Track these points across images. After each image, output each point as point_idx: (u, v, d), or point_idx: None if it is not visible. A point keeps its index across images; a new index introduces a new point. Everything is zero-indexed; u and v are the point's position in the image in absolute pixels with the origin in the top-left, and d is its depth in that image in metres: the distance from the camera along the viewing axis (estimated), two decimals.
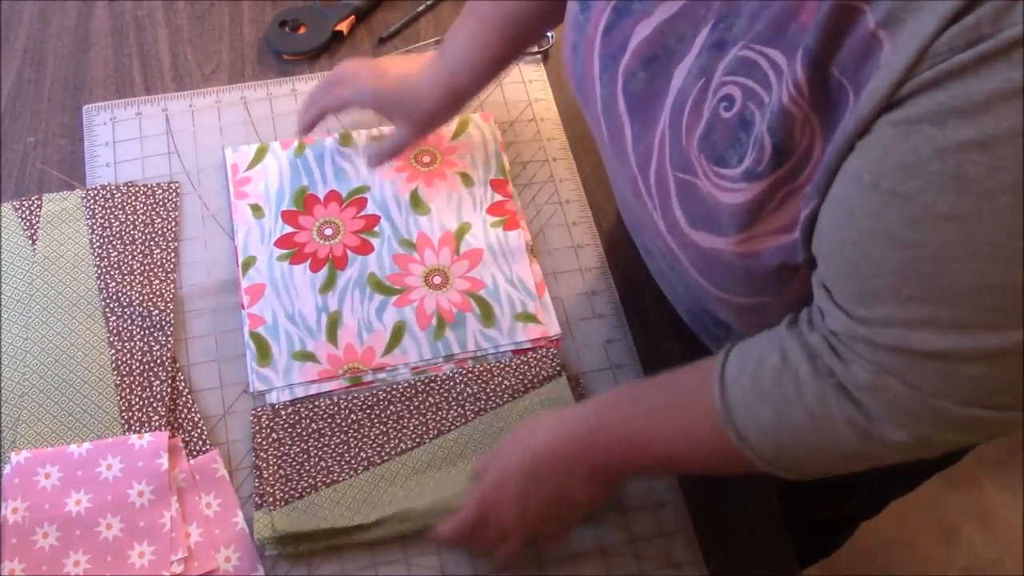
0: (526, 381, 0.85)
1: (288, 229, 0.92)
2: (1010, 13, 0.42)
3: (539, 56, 1.07)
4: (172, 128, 0.99)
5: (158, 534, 0.76)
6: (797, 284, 0.59)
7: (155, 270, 0.89)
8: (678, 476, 0.81)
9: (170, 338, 0.85)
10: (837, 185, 0.51)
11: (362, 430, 0.82)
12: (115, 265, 0.89)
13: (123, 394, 0.82)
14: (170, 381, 0.83)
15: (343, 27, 1.07)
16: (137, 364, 0.83)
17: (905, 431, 0.53)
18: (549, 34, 1.07)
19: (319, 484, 0.79)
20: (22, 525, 0.75)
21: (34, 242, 0.90)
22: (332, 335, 0.86)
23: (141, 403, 0.82)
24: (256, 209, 0.93)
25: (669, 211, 0.62)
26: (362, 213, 0.94)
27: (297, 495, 0.78)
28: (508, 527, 0.72)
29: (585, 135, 1.00)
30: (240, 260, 0.90)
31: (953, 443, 0.55)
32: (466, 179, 0.97)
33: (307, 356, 0.85)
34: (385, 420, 0.82)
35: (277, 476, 0.79)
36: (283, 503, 0.77)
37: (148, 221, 0.92)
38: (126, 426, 0.81)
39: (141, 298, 0.87)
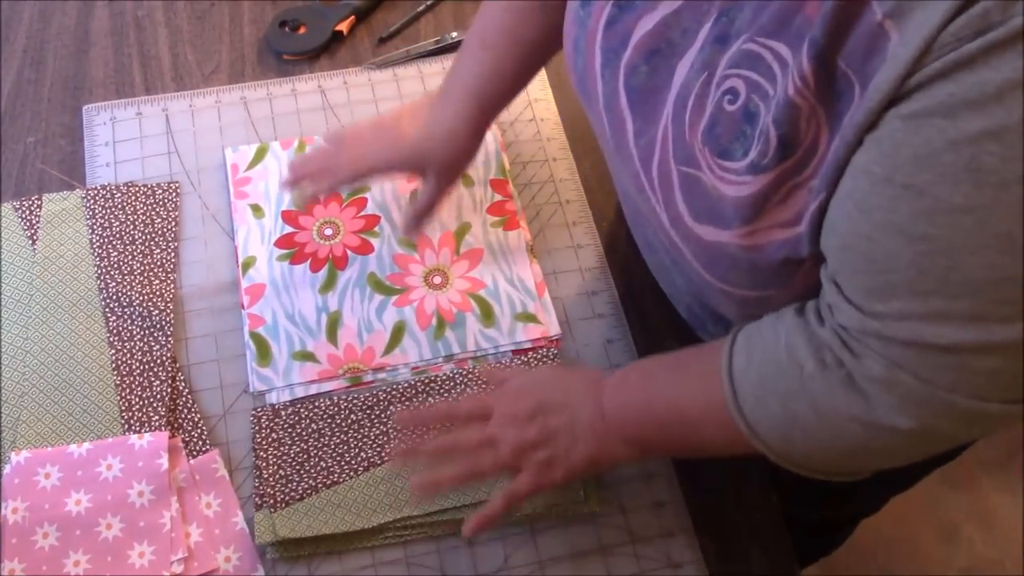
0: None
1: (288, 229, 0.92)
2: (1018, 2, 0.42)
3: None
4: (172, 128, 0.99)
5: (158, 534, 0.76)
6: (801, 277, 0.59)
7: (155, 270, 0.89)
8: (678, 476, 0.81)
9: (170, 338, 0.85)
10: (847, 180, 0.51)
11: (362, 430, 0.82)
12: (115, 265, 0.89)
13: (123, 394, 0.82)
14: (170, 381, 0.83)
15: (343, 27, 1.07)
16: (137, 364, 0.83)
17: (915, 421, 0.53)
18: None
19: (319, 485, 0.79)
20: (22, 525, 0.75)
21: (34, 242, 0.90)
22: (332, 335, 0.86)
23: (141, 403, 0.82)
24: (256, 209, 0.93)
25: (672, 205, 0.62)
26: (362, 213, 0.94)
27: (298, 496, 0.78)
28: (504, 436, 0.71)
29: (585, 135, 1.00)
30: (240, 260, 0.90)
31: (964, 437, 0.56)
32: (466, 179, 0.97)
33: (307, 356, 0.85)
34: (385, 420, 0.82)
35: (277, 476, 0.79)
36: (283, 504, 0.77)
37: (148, 221, 0.92)
38: (126, 426, 0.81)
39: (141, 298, 0.87)
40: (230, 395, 0.84)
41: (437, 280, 0.90)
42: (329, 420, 0.82)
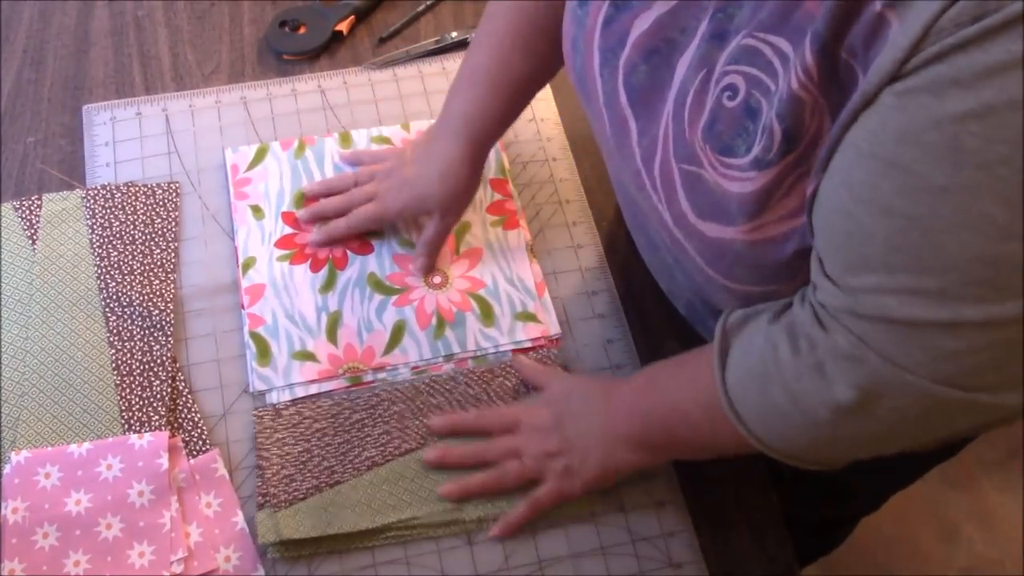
0: (522, 391, 0.85)
1: (288, 230, 0.92)
2: None
3: None
4: (172, 128, 0.99)
5: (158, 534, 0.76)
6: (806, 272, 0.59)
7: (155, 270, 0.89)
8: (678, 476, 0.81)
9: (170, 338, 0.85)
10: (837, 156, 0.51)
11: (364, 429, 0.82)
12: (115, 265, 0.89)
13: (123, 394, 0.82)
14: (170, 381, 0.83)
15: (343, 27, 1.07)
16: (137, 364, 0.83)
17: (869, 399, 0.54)
18: None
19: (322, 484, 0.79)
20: (22, 525, 0.75)
21: (34, 242, 0.90)
22: (332, 335, 0.86)
23: (141, 403, 0.82)
24: (256, 210, 0.93)
25: (675, 203, 0.62)
26: None
27: (300, 496, 0.78)
28: (528, 447, 0.76)
29: (585, 135, 1.00)
30: (240, 260, 0.90)
31: (928, 428, 0.56)
32: None
33: (307, 356, 0.85)
34: (388, 420, 0.82)
35: (280, 476, 0.79)
36: (286, 504, 0.77)
37: (148, 221, 0.92)
38: (126, 426, 0.81)
39: (141, 298, 0.87)
40: (230, 395, 0.84)
41: (437, 280, 0.90)
42: (332, 419, 0.82)
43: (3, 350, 0.84)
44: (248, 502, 0.78)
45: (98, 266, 0.89)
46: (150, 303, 0.87)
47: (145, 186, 0.94)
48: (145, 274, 0.89)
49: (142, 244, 0.90)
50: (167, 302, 0.87)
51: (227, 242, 0.92)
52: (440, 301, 0.89)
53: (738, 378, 0.62)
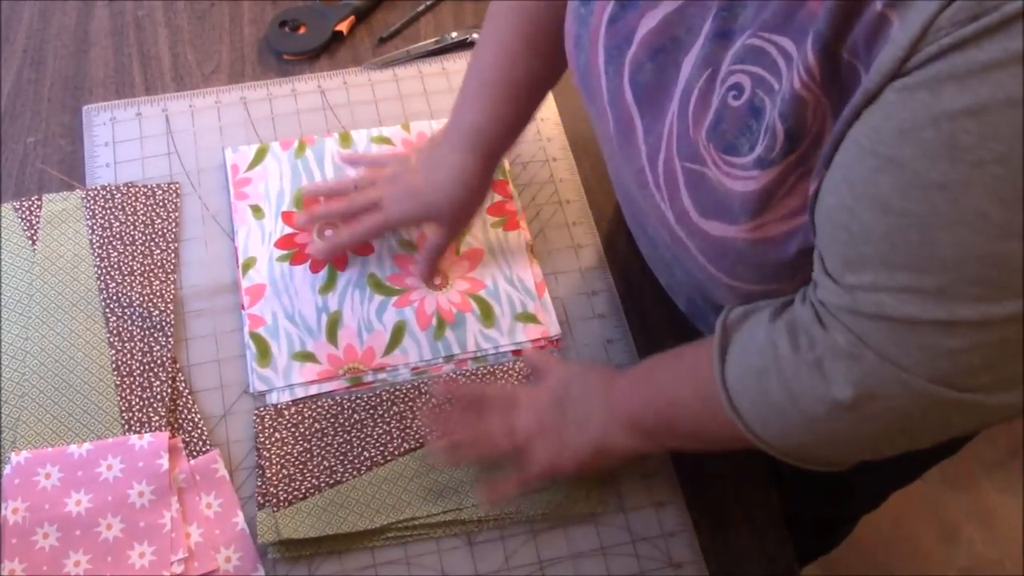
0: (527, 381, 0.85)
1: (288, 230, 0.92)
2: None
3: None
4: (172, 128, 0.99)
5: (158, 534, 0.76)
6: (808, 272, 0.59)
7: (155, 270, 0.89)
8: (678, 476, 0.81)
9: (170, 338, 0.85)
10: (839, 153, 0.51)
11: (365, 430, 0.82)
12: (115, 265, 0.89)
13: (123, 394, 0.82)
14: (170, 381, 0.83)
15: (343, 27, 1.07)
16: (137, 364, 0.84)
17: (866, 397, 0.54)
18: None
19: (322, 484, 0.79)
20: (22, 525, 0.75)
21: (34, 242, 0.90)
22: (332, 335, 0.86)
23: (141, 403, 0.82)
24: (256, 210, 0.93)
25: (678, 201, 0.63)
26: None
27: (301, 496, 0.78)
28: (523, 424, 0.76)
29: (585, 135, 1.00)
30: (240, 261, 0.90)
31: (927, 429, 0.56)
32: None
33: (307, 356, 0.85)
34: (388, 420, 0.82)
35: (280, 476, 0.79)
36: (287, 504, 0.77)
37: (148, 222, 0.92)
38: (126, 426, 0.81)
39: (141, 298, 0.87)
40: (230, 395, 0.84)
41: (437, 281, 0.90)
42: (332, 420, 0.82)
43: (3, 350, 0.84)
44: (248, 502, 0.78)
45: (98, 266, 0.89)
46: (150, 303, 0.87)
47: (145, 186, 0.94)
48: (145, 274, 0.89)
49: (142, 244, 0.90)
50: (167, 302, 0.87)
51: (227, 242, 0.92)
52: (440, 302, 0.89)
53: (737, 375, 0.62)
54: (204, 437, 0.81)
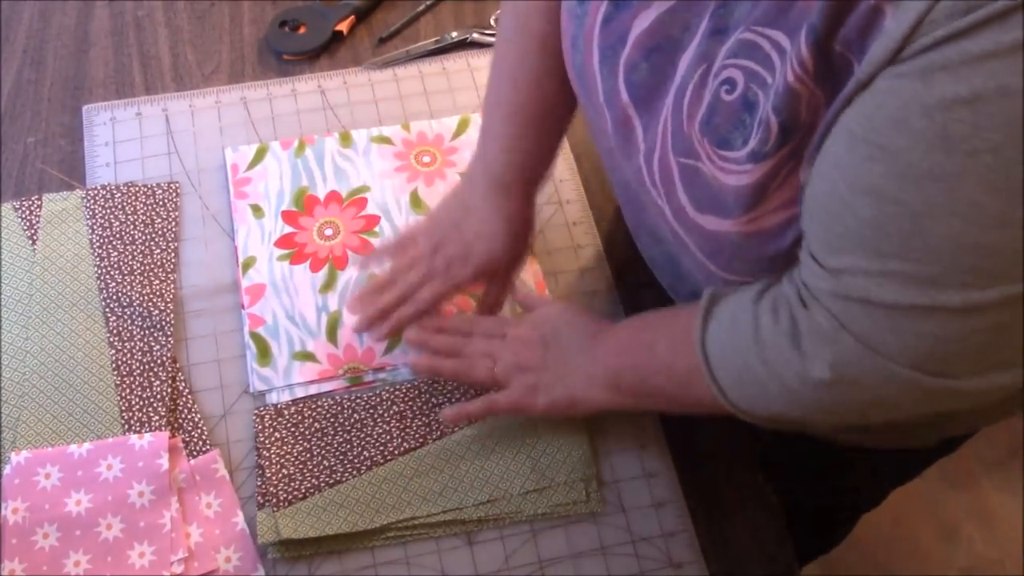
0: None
1: (288, 229, 0.92)
2: None
3: None
4: (172, 128, 0.99)
5: (158, 534, 0.76)
6: None
7: (155, 270, 0.89)
8: (678, 476, 0.81)
9: (170, 338, 0.85)
10: (830, 139, 0.52)
11: (365, 429, 0.82)
12: (115, 265, 0.89)
13: (123, 394, 0.82)
14: (170, 381, 0.83)
15: (343, 27, 1.07)
16: (137, 364, 0.84)
17: (842, 379, 0.55)
18: None
19: (322, 484, 0.79)
20: (22, 525, 0.75)
21: (34, 242, 0.90)
22: (332, 335, 0.86)
23: (141, 403, 0.82)
24: (256, 209, 0.93)
25: (674, 197, 0.63)
26: (362, 213, 0.94)
27: (300, 495, 0.78)
28: (504, 355, 0.78)
29: (585, 135, 1.00)
30: (240, 260, 0.90)
31: (900, 408, 0.57)
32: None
33: (307, 356, 0.85)
34: (388, 420, 0.82)
35: (280, 476, 0.79)
36: (286, 503, 0.77)
37: (148, 221, 0.92)
38: (126, 426, 0.81)
39: (141, 298, 0.87)
40: (230, 395, 0.84)
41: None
42: (332, 419, 0.82)
43: (3, 350, 0.84)
44: (248, 502, 0.78)
45: (98, 266, 0.89)
46: (150, 303, 0.87)
47: (145, 186, 0.94)
48: (145, 274, 0.89)
49: (142, 244, 0.90)
50: (167, 302, 0.87)
51: (227, 242, 0.92)
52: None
53: (719, 346, 0.63)
54: (204, 437, 0.81)
